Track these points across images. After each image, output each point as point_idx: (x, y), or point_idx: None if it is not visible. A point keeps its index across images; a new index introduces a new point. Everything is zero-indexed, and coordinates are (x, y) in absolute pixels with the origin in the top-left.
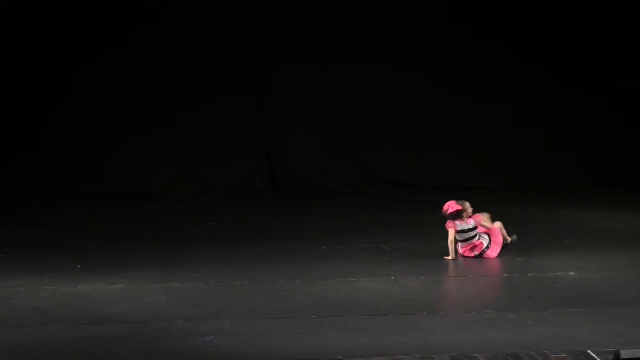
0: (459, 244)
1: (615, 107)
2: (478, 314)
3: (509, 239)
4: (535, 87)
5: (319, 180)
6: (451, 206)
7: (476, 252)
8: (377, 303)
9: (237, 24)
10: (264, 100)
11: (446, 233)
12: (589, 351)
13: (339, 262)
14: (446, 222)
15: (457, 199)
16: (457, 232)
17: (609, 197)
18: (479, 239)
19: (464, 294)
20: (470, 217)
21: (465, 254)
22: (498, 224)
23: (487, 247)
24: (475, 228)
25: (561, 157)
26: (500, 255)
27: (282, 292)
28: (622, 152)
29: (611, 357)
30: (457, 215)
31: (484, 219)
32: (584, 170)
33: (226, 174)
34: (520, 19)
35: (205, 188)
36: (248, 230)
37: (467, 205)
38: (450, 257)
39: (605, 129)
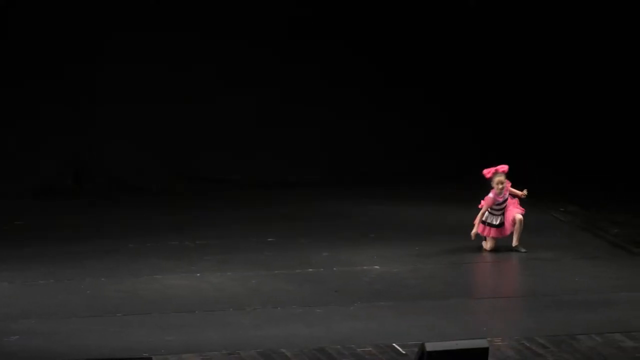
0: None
1: (431, 99)
2: (284, 309)
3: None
4: (352, 82)
5: (130, 179)
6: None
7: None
8: (185, 300)
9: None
10: (78, 102)
11: None
12: (394, 344)
13: (147, 259)
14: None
15: (275, 196)
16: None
17: (424, 191)
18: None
19: (271, 289)
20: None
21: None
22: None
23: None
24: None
25: (377, 150)
26: (307, 249)
27: (88, 290)
28: (444, 146)
29: (416, 349)
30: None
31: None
32: (400, 163)
33: (34, 173)
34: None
35: (12, 187)
36: (56, 230)
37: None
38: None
39: (426, 122)
